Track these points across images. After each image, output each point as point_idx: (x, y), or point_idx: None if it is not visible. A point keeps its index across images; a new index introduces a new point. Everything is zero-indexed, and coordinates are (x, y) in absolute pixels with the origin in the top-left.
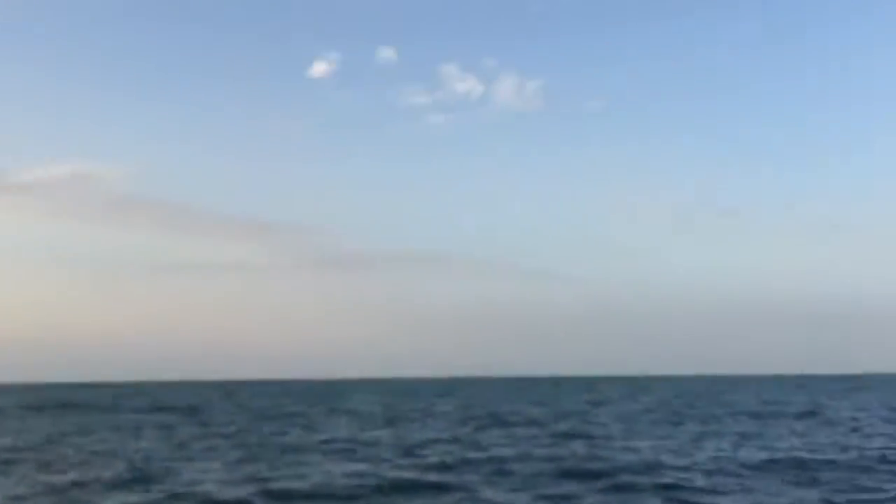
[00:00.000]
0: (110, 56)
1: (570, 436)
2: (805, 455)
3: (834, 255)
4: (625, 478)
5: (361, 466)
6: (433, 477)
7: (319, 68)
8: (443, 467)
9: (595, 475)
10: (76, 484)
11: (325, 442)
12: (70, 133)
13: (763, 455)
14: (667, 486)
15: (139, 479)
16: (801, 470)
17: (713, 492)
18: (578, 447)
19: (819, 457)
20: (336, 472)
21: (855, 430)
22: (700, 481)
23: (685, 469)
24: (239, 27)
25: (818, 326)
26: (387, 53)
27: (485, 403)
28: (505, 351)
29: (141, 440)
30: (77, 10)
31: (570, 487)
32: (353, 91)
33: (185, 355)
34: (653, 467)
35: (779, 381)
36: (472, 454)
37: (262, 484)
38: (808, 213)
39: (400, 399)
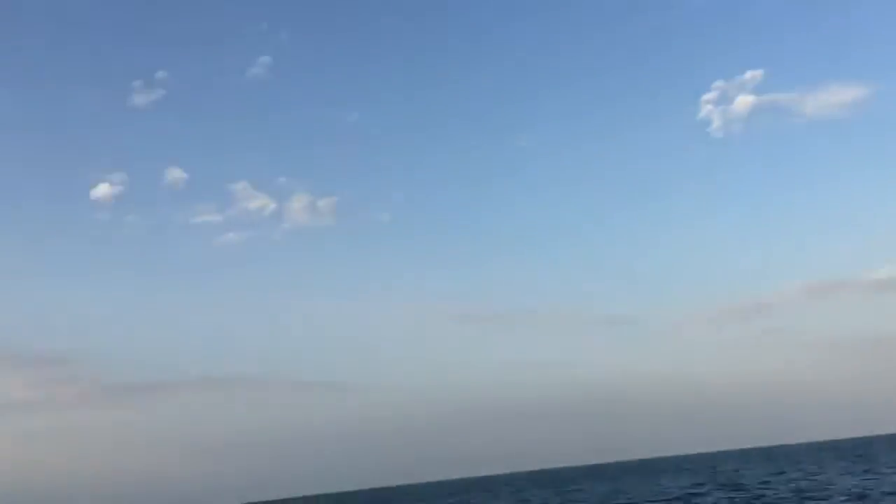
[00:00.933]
0: None
1: None
2: None
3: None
4: None
5: None
6: None
7: (103, 190)
8: None
9: None
10: None
11: None
12: None
13: None
14: None
15: None
16: None
17: None
18: None
19: None
20: None
21: None
22: None
23: None
24: (18, 150)
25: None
26: (176, 174)
27: None
28: (298, 469)
29: None
30: None
31: None
32: (140, 212)
33: None
34: None
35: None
36: None
37: None
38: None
39: None
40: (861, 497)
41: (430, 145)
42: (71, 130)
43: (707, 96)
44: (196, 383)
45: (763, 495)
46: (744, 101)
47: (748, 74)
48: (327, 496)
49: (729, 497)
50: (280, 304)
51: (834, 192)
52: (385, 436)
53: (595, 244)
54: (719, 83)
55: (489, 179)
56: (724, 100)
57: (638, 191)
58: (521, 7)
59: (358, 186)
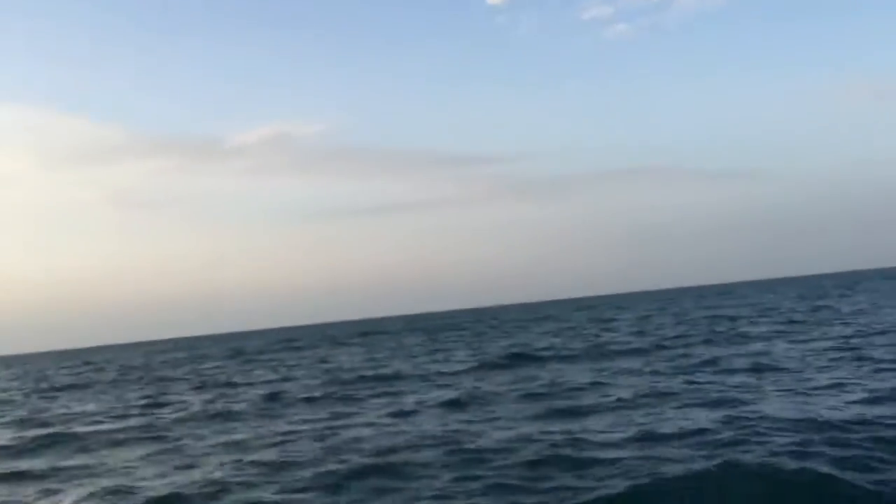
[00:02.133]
0: (294, 22)
1: None
2: None
3: None
4: None
5: None
6: None
7: None
8: None
9: None
10: None
11: None
12: (269, 97)
13: None
14: None
15: None
16: None
17: None
18: None
19: None
20: None
21: None
22: None
23: None
24: None
25: None
26: None
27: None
28: (714, 258)
29: None
30: None
31: None
32: (532, 12)
33: (395, 291)
34: None
35: None
36: None
37: None
38: None
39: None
40: None
41: None
42: None
43: None
44: (600, 176)
45: None
46: None
47: None
48: (729, 284)
49: None
50: (674, 92)
51: None
52: (792, 225)
53: None
54: None
55: None
56: None
57: None
58: None
59: None
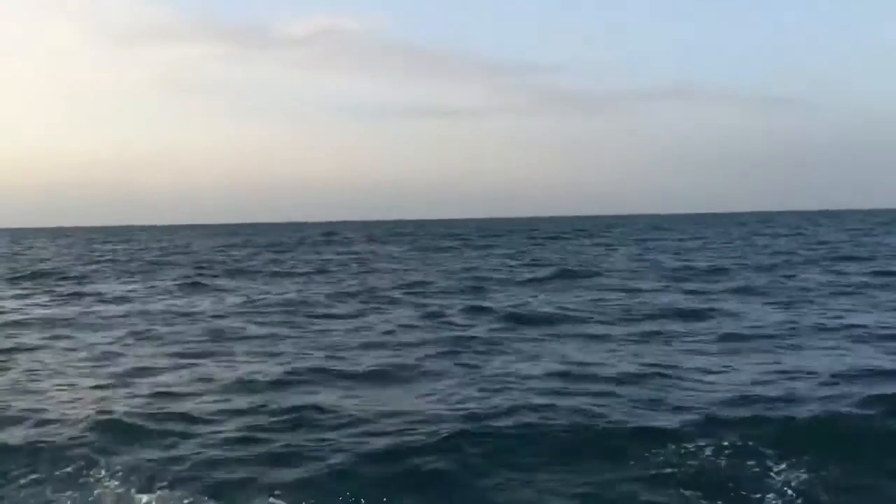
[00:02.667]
0: None
1: None
2: None
3: None
4: None
5: None
6: None
7: None
8: None
9: None
10: None
11: None
12: None
13: None
14: None
15: None
16: None
17: None
18: None
19: None
20: None
21: None
22: None
23: None
24: None
25: None
26: None
27: None
28: (747, 185)
29: None
30: None
31: None
32: None
33: (429, 196)
34: None
35: None
36: None
37: None
38: None
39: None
40: None
41: None
42: None
43: None
44: (642, 94)
45: None
46: None
47: None
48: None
49: None
50: (726, 15)
51: None
52: (839, 158)
53: None
54: None
55: None
56: None
57: None
58: None
59: None
